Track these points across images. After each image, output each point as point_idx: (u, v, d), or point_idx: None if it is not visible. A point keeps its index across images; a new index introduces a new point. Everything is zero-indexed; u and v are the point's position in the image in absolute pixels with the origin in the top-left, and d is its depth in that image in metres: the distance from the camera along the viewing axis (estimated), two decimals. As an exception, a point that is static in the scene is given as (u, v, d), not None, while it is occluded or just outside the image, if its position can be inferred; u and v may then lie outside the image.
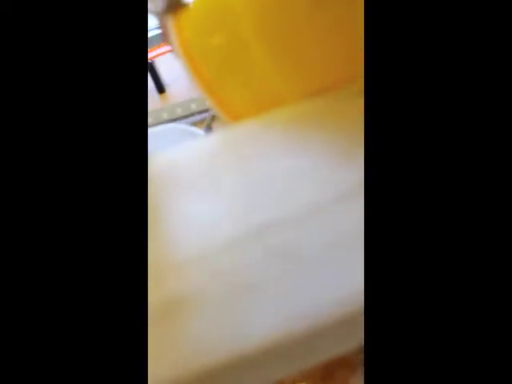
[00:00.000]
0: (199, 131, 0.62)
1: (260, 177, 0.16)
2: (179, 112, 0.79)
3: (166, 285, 0.13)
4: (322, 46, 0.29)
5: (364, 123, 0.13)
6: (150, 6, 0.32)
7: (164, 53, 0.95)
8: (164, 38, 0.34)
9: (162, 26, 0.33)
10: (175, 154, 0.18)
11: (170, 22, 0.31)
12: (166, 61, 0.95)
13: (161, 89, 0.92)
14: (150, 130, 0.62)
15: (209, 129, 0.65)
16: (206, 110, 0.74)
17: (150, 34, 1.16)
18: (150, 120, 0.79)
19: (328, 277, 0.12)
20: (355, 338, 0.12)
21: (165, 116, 0.79)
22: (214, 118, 0.67)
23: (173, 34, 0.31)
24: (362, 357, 0.33)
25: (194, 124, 0.74)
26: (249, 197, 0.15)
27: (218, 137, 0.18)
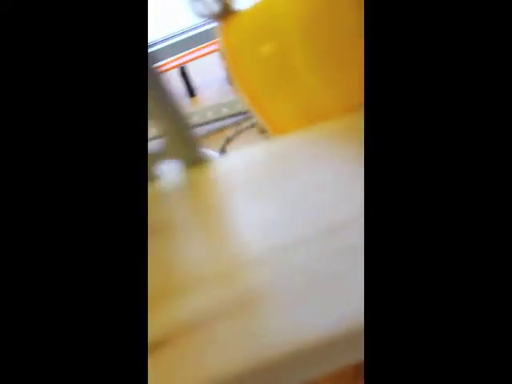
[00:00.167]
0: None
1: (312, 184, 0.16)
2: (210, 115, 0.80)
3: (238, 282, 0.14)
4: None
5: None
6: (201, 9, 0.32)
7: (195, 58, 0.96)
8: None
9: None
10: (231, 160, 0.19)
11: (220, 28, 0.32)
12: (197, 65, 0.97)
13: (191, 92, 0.93)
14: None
15: (223, 152, 0.65)
16: (237, 114, 0.75)
17: (180, 38, 1.18)
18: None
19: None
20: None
21: (195, 119, 0.81)
22: (228, 140, 0.67)
23: (220, 40, 0.32)
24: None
25: (225, 128, 0.75)
26: (308, 201, 0.16)
27: (268, 146, 0.19)
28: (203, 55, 0.98)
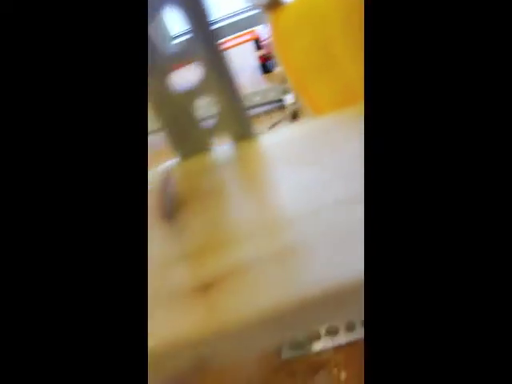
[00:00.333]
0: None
1: (345, 157, 0.19)
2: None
3: (279, 235, 0.16)
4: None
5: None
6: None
7: (232, 46, 0.99)
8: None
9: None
10: (275, 136, 0.22)
11: (269, 18, 0.34)
12: (231, 52, 0.99)
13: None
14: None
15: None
16: (269, 103, 0.77)
17: (221, 24, 1.19)
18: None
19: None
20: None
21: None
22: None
23: (270, 29, 0.34)
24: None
25: (258, 116, 0.77)
26: (343, 171, 0.18)
27: (308, 125, 0.21)
28: (239, 44, 1.01)
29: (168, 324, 0.15)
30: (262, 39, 0.90)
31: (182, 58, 0.20)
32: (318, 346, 0.42)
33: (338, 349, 0.42)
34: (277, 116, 0.73)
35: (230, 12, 1.18)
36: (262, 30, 0.87)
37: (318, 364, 0.41)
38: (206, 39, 0.19)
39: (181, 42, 0.21)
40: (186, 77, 0.20)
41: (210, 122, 0.21)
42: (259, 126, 0.69)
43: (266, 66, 0.89)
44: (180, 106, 0.20)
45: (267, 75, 0.89)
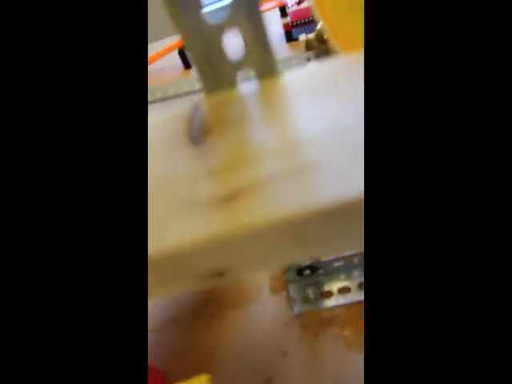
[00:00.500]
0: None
1: (360, 90, 0.19)
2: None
3: (298, 153, 0.17)
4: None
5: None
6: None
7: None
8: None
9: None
10: (299, 72, 0.22)
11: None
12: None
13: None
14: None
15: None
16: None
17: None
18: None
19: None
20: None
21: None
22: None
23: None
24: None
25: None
26: (360, 102, 0.19)
27: (330, 62, 0.22)
28: (264, 10, 0.99)
29: (188, 230, 0.16)
30: (288, 6, 0.89)
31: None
32: (329, 303, 0.43)
33: (349, 306, 0.43)
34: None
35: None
36: (289, -3, 0.86)
37: (329, 319, 0.42)
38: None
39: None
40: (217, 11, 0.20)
41: (237, 57, 0.21)
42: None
43: (290, 34, 0.88)
44: (210, 40, 0.21)
45: (291, 43, 0.89)
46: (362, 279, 0.44)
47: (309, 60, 0.74)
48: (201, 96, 0.22)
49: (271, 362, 0.41)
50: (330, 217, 0.15)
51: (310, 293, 0.44)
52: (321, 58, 0.74)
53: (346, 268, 0.44)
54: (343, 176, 0.15)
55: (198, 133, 0.19)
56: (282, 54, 0.85)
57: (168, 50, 0.98)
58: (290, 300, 0.44)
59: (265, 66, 0.21)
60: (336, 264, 0.44)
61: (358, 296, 0.43)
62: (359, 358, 0.39)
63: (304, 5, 0.88)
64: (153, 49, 1.02)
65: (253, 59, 0.21)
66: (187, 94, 0.81)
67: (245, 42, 0.21)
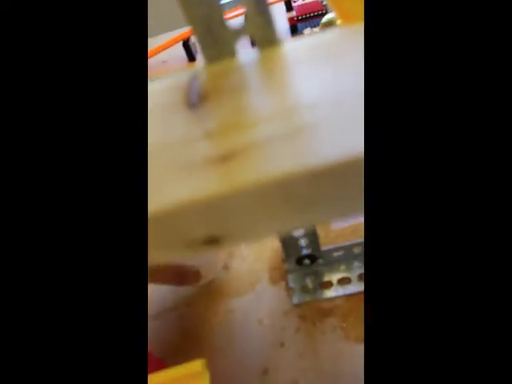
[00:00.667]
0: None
1: (359, 62, 0.19)
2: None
3: (295, 117, 0.16)
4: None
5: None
6: None
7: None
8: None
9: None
10: (299, 41, 0.22)
11: None
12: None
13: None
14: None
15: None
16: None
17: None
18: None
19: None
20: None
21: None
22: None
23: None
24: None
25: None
26: (360, 70, 0.18)
27: (330, 32, 0.21)
28: (270, 4, 0.99)
29: (184, 188, 0.15)
30: (293, 0, 0.88)
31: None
32: (329, 294, 0.42)
33: (349, 297, 0.42)
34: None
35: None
36: (295, -9, 0.86)
37: (328, 310, 0.42)
38: None
39: None
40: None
41: (237, 24, 0.21)
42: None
43: (295, 28, 0.88)
44: (211, 7, 0.20)
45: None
46: (363, 270, 0.43)
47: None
48: (200, 66, 0.21)
49: (267, 352, 0.40)
50: (324, 178, 0.14)
51: (309, 283, 0.43)
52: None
53: (346, 258, 0.44)
54: (340, 138, 0.15)
55: (196, 99, 0.19)
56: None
57: (172, 43, 0.98)
58: (288, 290, 0.44)
59: (265, 35, 0.20)
60: (336, 254, 0.43)
61: (358, 287, 0.42)
62: (358, 349, 0.38)
63: (310, -1, 0.87)
64: (157, 42, 1.01)
65: (253, 27, 0.20)
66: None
67: (245, 9, 0.20)
